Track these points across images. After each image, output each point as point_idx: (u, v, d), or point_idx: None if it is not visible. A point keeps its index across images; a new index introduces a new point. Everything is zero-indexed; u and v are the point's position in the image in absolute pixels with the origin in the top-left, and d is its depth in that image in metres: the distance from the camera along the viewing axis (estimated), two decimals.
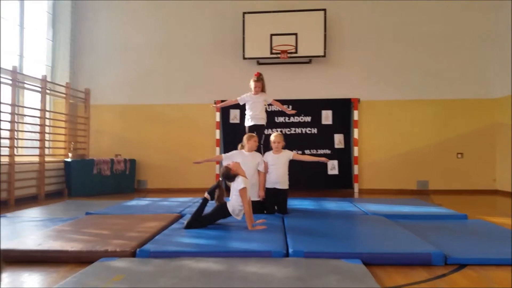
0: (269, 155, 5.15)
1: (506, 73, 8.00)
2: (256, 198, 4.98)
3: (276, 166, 5.05)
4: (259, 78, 5.55)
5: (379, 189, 8.44)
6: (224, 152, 8.41)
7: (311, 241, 3.56)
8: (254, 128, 5.56)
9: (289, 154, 5.15)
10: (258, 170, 5.07)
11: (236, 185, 4.14)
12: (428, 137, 8.54)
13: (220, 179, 4.29)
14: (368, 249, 3.33)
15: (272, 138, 5.17)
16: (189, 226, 4.10)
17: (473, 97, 8.49)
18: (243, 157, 4.96)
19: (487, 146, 8.43)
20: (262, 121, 5.66)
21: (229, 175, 4.22)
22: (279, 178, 5.05)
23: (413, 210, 5.49)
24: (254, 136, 5.12)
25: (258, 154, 5.17)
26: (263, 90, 5.63)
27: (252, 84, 5.58)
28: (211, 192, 4.33)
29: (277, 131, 8.34)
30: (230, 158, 4.99)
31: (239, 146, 5.28)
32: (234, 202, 4.17)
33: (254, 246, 3.40)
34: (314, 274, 2.73)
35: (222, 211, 4.19)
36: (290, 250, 3.24)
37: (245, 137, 5.16)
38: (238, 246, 3.45)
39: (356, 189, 8.50)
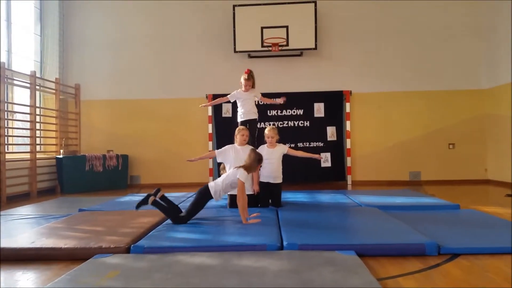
0: (263, 149, 5.12)
1: (495, 64, 8.06)
2: (250, 192, 4.98)
3: (270, 160, 5.03)
4: (250, 76, 5.51)
5: (372, 181, 8.49)
6: (217, 147, 8.45)
7: (305, 233, 3.57)
8: (246, 123, 5.55)
9: (283, 149, 5.12)
10: None
11: (238, 174, 4.09)
12: (420, 128, 8.59)
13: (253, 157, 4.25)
14: (362, 241, 3.34)
15: (266, 132, 5.14)
16: (176, 222, 4.06)
17: (463, 88, 8.55)
18: (235, 151, 4.95)
19: (478, 136, 8.51)
20: (254, 115, 5.65)
21: (255, 164, 4.20)
22: (273, 172, 5.04)
23: (406, 201, 5.53)
24: (242, 130, 5.07)
25: (251, 148, 5.14)
26: (253, 86, 5.62)
27: (242, 81, 5.55)
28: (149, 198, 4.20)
29: (269, 124, 8.34)
30: (223, 153, 4.99)
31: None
32: (218, 184, 4.13)
33: (248, 239, 3.40)
34: (308, 266, 2.74)
35: (205, 195, 4.15)
36: (285, 243, 3.24)
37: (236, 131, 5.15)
38: (232, 240, 3.46)
39: (349, 181, 8.54)
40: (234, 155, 4.95)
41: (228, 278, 2.56)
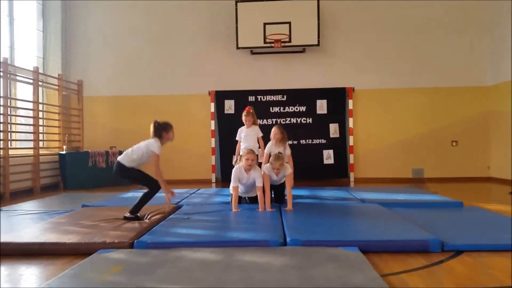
0: (271, 174, 4.81)
1: (499, 61, 8.03)
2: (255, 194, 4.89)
3: (278, 180, 4.93)
4: (249, 113, 5.58)
5: (374, 178, 8.47)
6: (219, 143, 8.49)
7: (308, 230, 3.57)
8: None
9: (288, 172, 4.82)
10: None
11: (151, 146, 4.31)
12: (423, 125, 8.57)
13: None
14: (365, 237, 3.34)
15: (272, 162, 4.74)
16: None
17: (467, 85, 8.52)
18: (242, 174, 4.70)
19: (481, 133, 8.48)
20: (256, 151, 5.38)
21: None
22: (278, 181, 4.97)
23: (409, 198, 5.52)
24: (247, 154, 4.68)
25: (257, 170, 4.75)
26: (254, 123, 5.65)
27: (243, 118, 5.61)
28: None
29: (272, 122, 8.33)
30: (235, 179, 4.68)
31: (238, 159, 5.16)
32: (129, 155, 4.30)
33: (251, 235, 3.41)
34: (311, 262, 2.73)
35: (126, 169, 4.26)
36: (288, 239, 3.25)
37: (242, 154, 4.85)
38: (235, 235, 3.46)
39: (352, 178, 8.53)
40: (245, 181, 4.76)
41: (232, 273, 2.56)
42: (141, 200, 4.23)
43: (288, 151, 5.27)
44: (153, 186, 4.25)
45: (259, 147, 5.63)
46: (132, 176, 4.33)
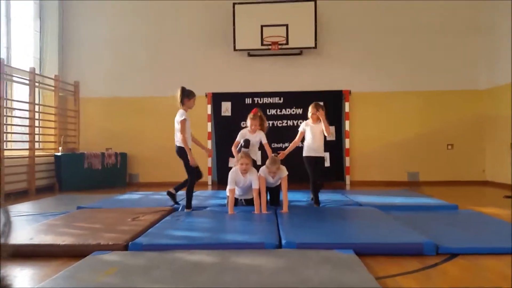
0: (267, 176, 4.81)
1: (493, 65, 8.08)
2: (250, 197, 4.89)
3: (274, 183, 4.95)
4: (256, 116, 5.10)
5: (370, 181, 8.47)
6: (216, 145, 8.49)
7: (303, 232, 3.58)
8: None
9: (284, 174, 4.84)
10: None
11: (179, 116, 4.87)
12: (419, 128, 8.59)
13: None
14: (360, 240, 3.35)
15: (268, 166, 4.70)
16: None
17: (462, 88, 8.55)
18: (238, 176, 4.70)
19: (476, 137, 8.50)
20: (254, 157, 5.23)
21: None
22: (274, 184, 4.98)
23: (404, 201, 5.53)
24: (242, 158, 4.62)
25: (253, 172, 4.72)
26: (261, 128, 5.18)
27: (248, 121, 5.14)
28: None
29: (269, 124, 8.32)
30: (232, 182, 4.67)
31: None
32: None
33: (246, 238, 3.41)
34: (306, 264, 2.74)
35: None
36: (283, 242, 3.25)
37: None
38: (231, 238, 3.47)
39: (347, 181, 8.53)
40: (241, 183, 4.75)
41: (226, 275, 2.56)
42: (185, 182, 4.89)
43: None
44: (192, 174, 4.84)
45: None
46: (183, 157, 4.81)
